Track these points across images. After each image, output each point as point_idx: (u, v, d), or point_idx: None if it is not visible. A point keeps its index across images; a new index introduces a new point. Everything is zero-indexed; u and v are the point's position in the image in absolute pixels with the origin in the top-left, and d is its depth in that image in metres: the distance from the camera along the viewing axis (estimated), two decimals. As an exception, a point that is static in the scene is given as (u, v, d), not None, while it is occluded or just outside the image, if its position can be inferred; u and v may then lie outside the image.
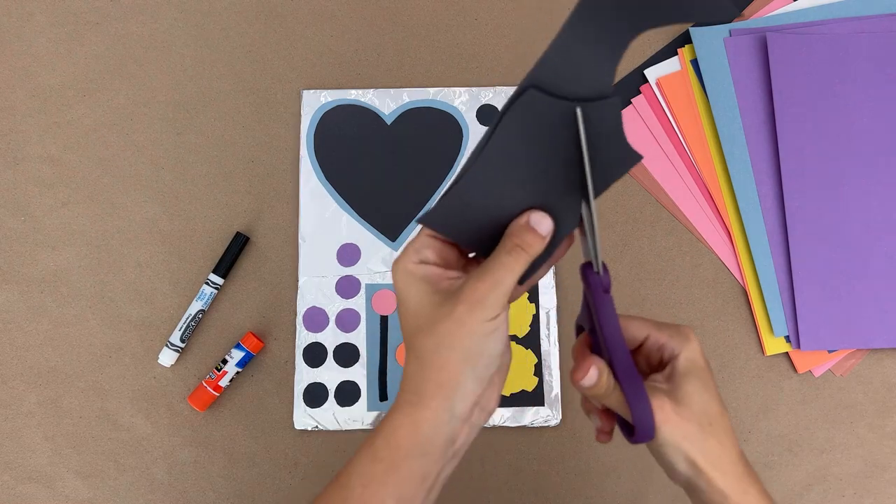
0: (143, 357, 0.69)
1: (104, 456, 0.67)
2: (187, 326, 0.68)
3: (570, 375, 0.42)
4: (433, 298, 0.40)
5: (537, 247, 0.40)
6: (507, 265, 0.39)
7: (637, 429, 0.41)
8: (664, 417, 0.41)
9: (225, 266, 0.69)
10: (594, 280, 0.41)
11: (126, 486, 0.67)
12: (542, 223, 0.40)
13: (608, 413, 0.46)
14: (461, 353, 0.39)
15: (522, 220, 0.40)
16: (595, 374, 0.41)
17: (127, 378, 0.68)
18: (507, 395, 0.67)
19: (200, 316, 0.69)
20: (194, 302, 0.68)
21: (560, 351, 0.68)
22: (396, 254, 0.70)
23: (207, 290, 0.69)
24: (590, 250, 0.41)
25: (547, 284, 0.69)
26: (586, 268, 0.42)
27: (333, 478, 0.42)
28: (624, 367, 0.41)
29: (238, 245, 0.70)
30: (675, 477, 0.44)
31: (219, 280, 0.69)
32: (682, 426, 0.42)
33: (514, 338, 0.69)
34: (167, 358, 0.68)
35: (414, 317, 0.40)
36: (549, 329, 0.69)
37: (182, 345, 0.68)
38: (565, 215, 0.41)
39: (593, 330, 0.43)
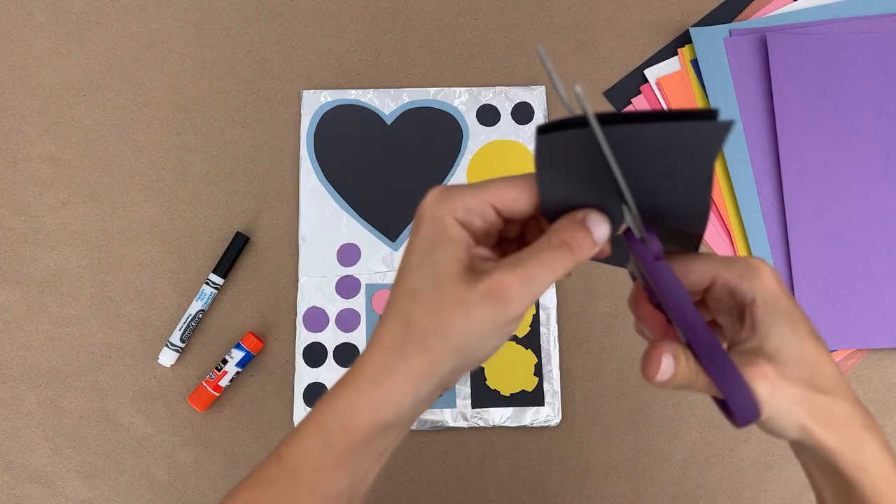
0: (143, 357, 0.69)
1: (104, 456, 0.67)
2: (187, 326, 0.68)
3: (641, 372, 0.35)
4: (453, 268, 0.33)
5: (586, 251, 0.34)
6: (547, 262, 0.33)
7: (735, 414, 0.35)
8: (769, 389, 0.34)
9: (225, 266, 0.69)
10: (640, 248, 0.35)
11: (126, 486, 0.67)
12: (600, 227, 0.34)
13: None
14: (453, 347, 0.33)
15: (578, 215, 0.34)
16: (670, 363, 0.34)
17: (127, 378, 0.68)
18: (507, 395, 0.67)
19: (200, 316, 0.69)
20: (194, 302, 0.68)
21: (560, 351, 0.68)
22: (397, 254, 0.70)
23: (207, 290, 0.69)
24: (625, 214, 0.35)
25: (547, 284, 0.69)
26: (628, 234, 0.36)
27: (272, 455, 0.37)
28: (703, 343, 0.34)
29: (238, 245, 0.70)
30: (782, 438, 0.37)
31: (219, 280, 0.69)
32: (788, 390, 0.34)
33: (514, 338, 0.69)
34: (167, 358, 0.68)
35: (422, 278, 0.34)
36: (549, 329, 0.69)
37: (182, 345, 0.68)
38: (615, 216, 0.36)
39: (649, 287, 0.37)
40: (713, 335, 0.35)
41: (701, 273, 0.37)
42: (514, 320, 0.33)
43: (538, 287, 0.33)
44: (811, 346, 0.36)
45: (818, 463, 0.37)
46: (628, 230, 0.36)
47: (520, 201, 0.35)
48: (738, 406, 0.34)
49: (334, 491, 0.35)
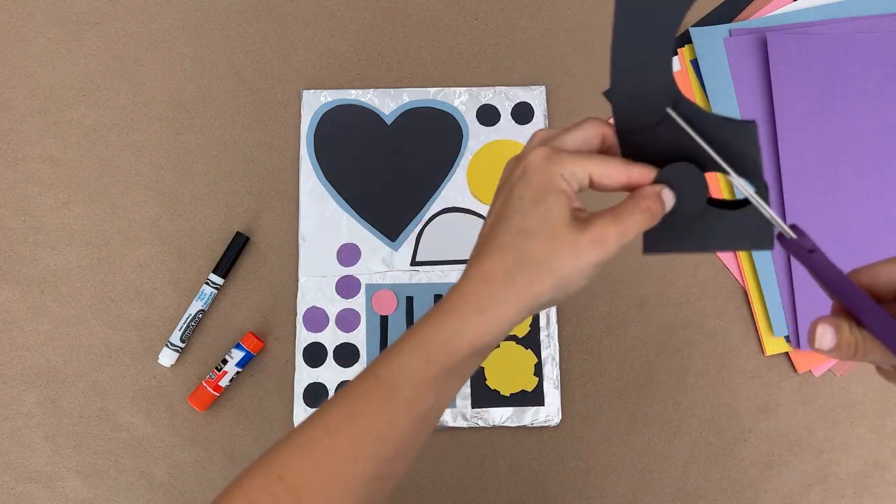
0: (143, 357, 0.69)
1: (104, 456, 0.67)
2: (187, 326, 0.68)
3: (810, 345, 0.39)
4: (564, 215, 0.39)
5: (658, 219, 0.40)
6: (638, 222, 0.39)
7: None
8: None
9: (225, 266, 0.69)
10: (791, 246, 0.39)
11: (126, 486, 0.67)
12: (669, 201, 0.40)
13: None
14: (557, 281, 0.38)
15: (656, 188, 0.40)
16: (828, 332, 0.37)
17: (127, 378, 0.68)
18: (507, 395, 0.67)
19: (200, 316, 0.69)
20: (194, 302, 0.68)
21: (560, 351, 0.68)
22: (397, 254, 0.70)
23: (207, 290, 0.69)
24: (769, 220, 0.40)
25: (547, 284, 0.69)
26: (780, 238, 0.40)
27: (367, 374, 0.40)
28: (872, 315, 0.37)
29: (238, 245, 0.70)
30: None
31: (219, 280, 0.69)
32: None
33: (514, 338, 0.69)
34: (167, 358, 0.68)
35: (536, 220, 0.39)
36: (549, 329, 0.69)
37: (182, 345, 0.68)
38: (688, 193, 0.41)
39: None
40: (881, 308, 0.37)
41: (889, 273, 0.39)
42: (604, 264, 0.39)
43: (627, 239, 0.39)
44: None
45: None
46: (781, 234, 0.40)
47: (613, 179, 0.40)
48: None
49: (426, 407, 0.40)
